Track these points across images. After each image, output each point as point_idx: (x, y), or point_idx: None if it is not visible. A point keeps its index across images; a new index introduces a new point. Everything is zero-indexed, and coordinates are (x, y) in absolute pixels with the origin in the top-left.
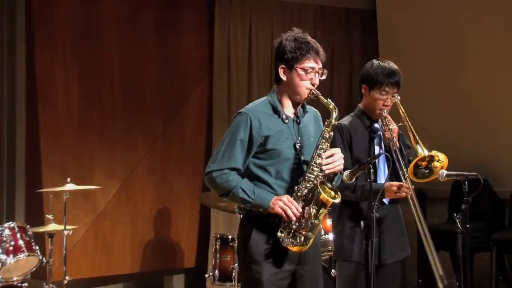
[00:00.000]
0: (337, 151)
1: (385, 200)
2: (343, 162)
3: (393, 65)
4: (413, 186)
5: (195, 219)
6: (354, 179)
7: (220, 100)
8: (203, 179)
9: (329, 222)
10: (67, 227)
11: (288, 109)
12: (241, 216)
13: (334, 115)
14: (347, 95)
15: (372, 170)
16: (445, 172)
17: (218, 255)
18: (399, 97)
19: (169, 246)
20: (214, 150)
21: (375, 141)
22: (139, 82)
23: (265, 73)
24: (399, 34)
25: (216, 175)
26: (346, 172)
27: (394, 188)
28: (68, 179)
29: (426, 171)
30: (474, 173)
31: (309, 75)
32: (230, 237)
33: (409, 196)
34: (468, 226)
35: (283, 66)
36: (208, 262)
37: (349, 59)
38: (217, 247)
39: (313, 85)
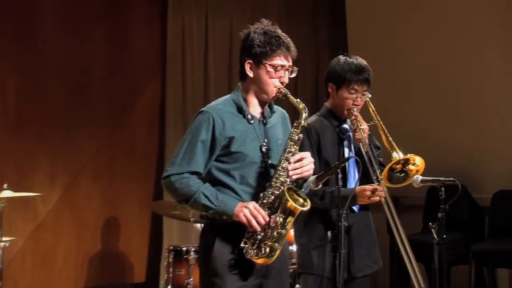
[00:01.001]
0: (307, 155)
1: (355, 208)
2: (313, 167)
3: (361, 61)
4: (386, 189)
5: (146, 229)
6: (320, 185)
7: (174, 99)
8: (155, 184)
9: (292, 232)
10: (4, 238)
11: (254, 108)
12: (202, 224)
13: (304, 115)
14: (313, 91)
15: (340, 176)
16: (420, 177)
17: (171, 269)
18: (369, 95)
19: (118, 259)
20: (173, 152)
21: (345, 143)
22: (84, 78)
23: (223, 70)
24: (370, 25)
25: (175, 179)
26: (312, 178)
27: (368, 193)
28: (5, 185)
29: (401, 175)
30: (452, 179)
31: (279, 72)
32: (184, 249)
33: (383, 199)
34: (444, 236)
35: (250, 61)
36: (160, 277)
37: (316, 53)
38: (170, 260)
39: (282, 83)
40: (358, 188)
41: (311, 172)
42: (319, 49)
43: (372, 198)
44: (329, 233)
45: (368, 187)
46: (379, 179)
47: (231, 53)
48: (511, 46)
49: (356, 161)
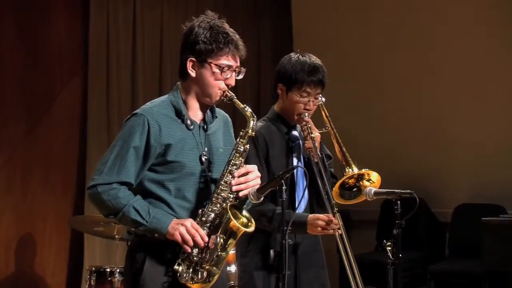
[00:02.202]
0: (253, 169)
1: None
2: (259, 182)
3: (315, 60)
4: (341, 223)
5: (65, 248)
6: (262, 198)
7: (97, 101)
8: (75, 198)
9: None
10: None
11: (194, 112)
12: (129, 242)
13: (251, 124)
14: (254, 91)
15: (284, 187)
16: (373, 189)
17: None
18: (323, 99)
19: (32, 281)
20: (100, 159)
21: (294, 152)
22: None
23: (153, 67)
24: (318, 18)
25: (102, 190)
26: (253, 190)
27: (321, 223)
28: None
29: (354, 189)
30: (409, 191)
31: (225, 74)
32: (108, 270)
33: (337, 234)
34: (400, 255)
35: (193, 59)
36: None
37: (257, 49)
38: (92, 282)
39: (227, 85)
40: (311, 216)
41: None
42: (260, 43)
43: (325, 230)
44: (271, 251)
45: (322, 216)
46: (334, 211)
47: (162, 47)
48: (474, 53)
49: (304, 172)
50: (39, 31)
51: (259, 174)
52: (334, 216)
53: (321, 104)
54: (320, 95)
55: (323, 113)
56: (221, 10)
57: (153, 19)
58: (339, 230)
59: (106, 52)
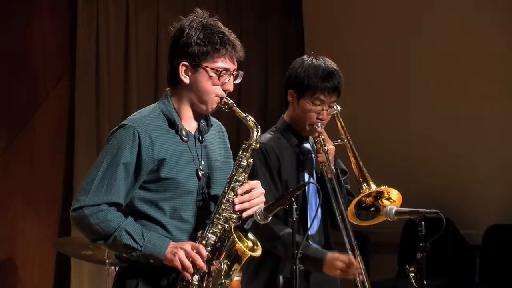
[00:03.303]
0: (257, 185)
1: (316, 247)
2: (263, 200)
3: (330, 64)
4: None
5: (49, 272)
6: (270, 218)
7: (86, 108)
8: (61, 217)
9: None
10: None
11: (188, 121)
12: (117, 267)
13: (255, 135)
14: (260, 99)
15: (295, 206)
16: (395, 208)
17: None
18: (338, 108)
19: None
20: (85, 176)
21: (305, 167)
22: None
23: (148, 71)
24: (332, 16)
25: (89, 212)
26: (259, 209)
27: (340, 264)
28: None
29: (371, 209)
30: (434, 211)
31: (222, 78)
32: None
33: (358, 279)
34: (425, 282)
35: (186, 63)
36: None
37: (264, 51)
38: None
39: (224, 91)
40: (330, 255)
41: (262, 205)
42: (268, 43)
43: (344, 274)
44: (280, 278)
45: (342, 257)
46: (356, 253)
47: (158, 49)
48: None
49: (317, 189)
50: (20, 33)
51: (263, 190)
52: (354, 253)
53: (336, 113)
54: (336, 104)
55: (338, 123)
56: (224, 7)
57: (147, 18)
58: (360, 276)
59: (95, 55)
